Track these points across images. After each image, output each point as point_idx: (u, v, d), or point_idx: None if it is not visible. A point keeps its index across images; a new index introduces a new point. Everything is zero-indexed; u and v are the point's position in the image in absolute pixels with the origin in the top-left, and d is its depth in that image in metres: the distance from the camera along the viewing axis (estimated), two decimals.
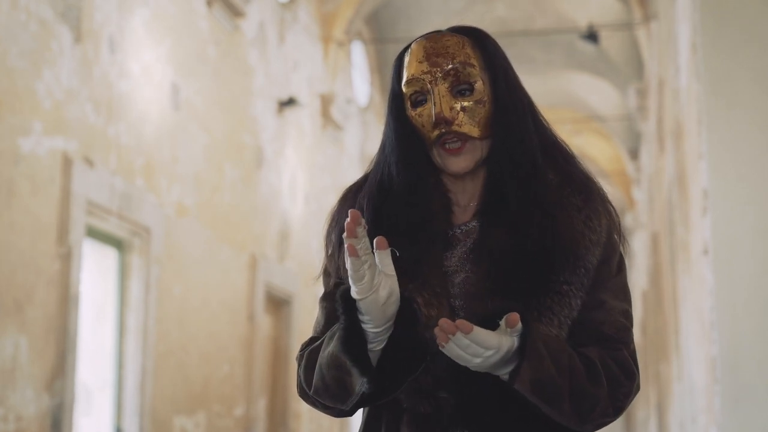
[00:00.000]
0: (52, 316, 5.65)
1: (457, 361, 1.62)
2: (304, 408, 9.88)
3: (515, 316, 1.63)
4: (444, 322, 1.60)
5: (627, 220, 16.68)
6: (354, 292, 1.63)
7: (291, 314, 9.73)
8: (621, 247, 1.83)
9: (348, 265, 1.61)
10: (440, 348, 1.61)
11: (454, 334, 1.59)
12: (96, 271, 6.60)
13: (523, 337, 1.64)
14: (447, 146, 1.78)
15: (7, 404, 5.23)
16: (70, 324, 5.79)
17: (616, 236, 1.81)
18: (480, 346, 1.60)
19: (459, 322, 1.60)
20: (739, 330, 4.49)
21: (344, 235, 1.59)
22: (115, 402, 6.70)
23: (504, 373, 1.65)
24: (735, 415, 4.47)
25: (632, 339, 1.80)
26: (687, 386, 6.83)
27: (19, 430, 5.33)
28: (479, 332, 1.60)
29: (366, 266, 1.61)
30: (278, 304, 9.63)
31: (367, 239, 1.61)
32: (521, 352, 1.63)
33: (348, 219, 1.59)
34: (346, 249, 1.60)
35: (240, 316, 8.52)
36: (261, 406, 8.92)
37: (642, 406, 15.04)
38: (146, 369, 6.79)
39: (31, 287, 5.48)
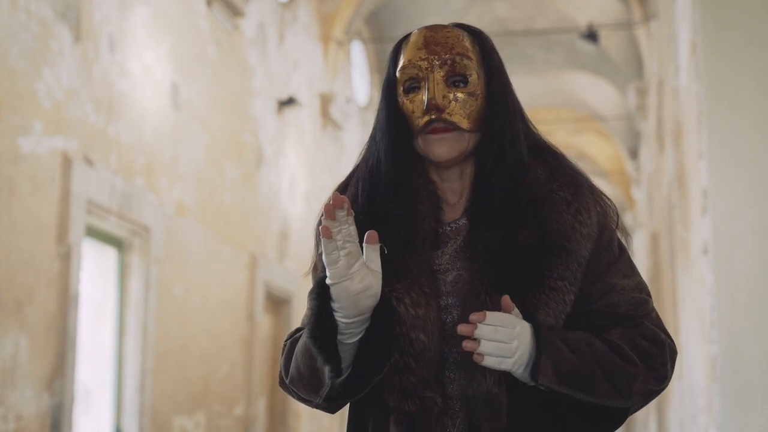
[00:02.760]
0: (51, 316, 5.65)
1: (501, 362, 1.62)
2: (304, 407, 9.87)
3: (506, 299, 1.64)
4: (461, 327, 1.61)
5: (626, 220, 16.67)
6: (327, 278, 1.63)
7: (291, 313, 9.73)
8: (618, 230, 1.83)
9: (322, 247, 1.60)
10: (479, 362, 1.62)
11: (475, 328, 1.60)
12: (96, 271, 6.60)
13: (535, 332, 1.65)
14: (435, 129, 1.78)
15: (7, 403, 5.23)
16: (69, 323, 5.79)
17: (611, 223, 1.82)
18: (504, 325, 1.62)
19: (471, 315, 1.61)
20: (739, 330, 4.49)
21: (322, 217, 1.60)
22: (115, 401, 6.70)
23: (524, 373, 1.65)
24: (735, 415, 4.47)
25: (652, 307, 1.81)
26: (687, 386, 6.83)
27: (18, 430, 5.33)
28: (493, 313, 1.62)
29: (342, 252, 1.60)
30: (278, 304, 9.63)
31: (352, 227, 1.60)
32: (536, 348, 1.64)
33: (330, 201, 1.59)
34: (320, 230, 1.59)
35: (240, 315, 8.52)
36: (261, 405, 8.92)
37: None
38: (146, 368, 6.79)
39: (31, 287, 5.48)
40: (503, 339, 1.61)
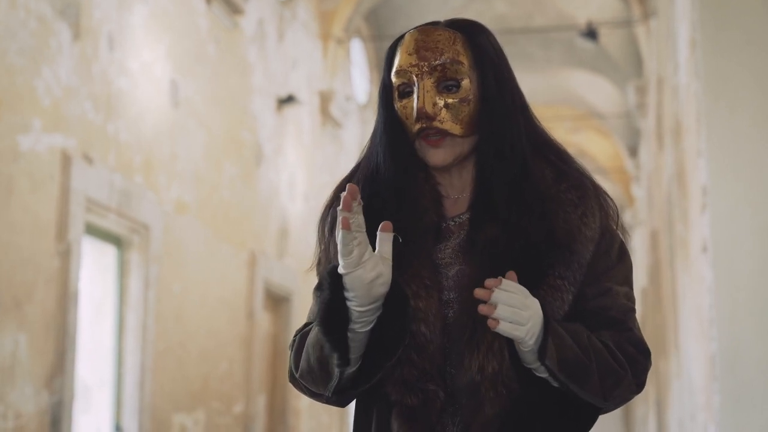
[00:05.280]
0: (51, 314, 5.65)
1: (516, 328, 1.62)
2: (303, 405, 9.88)
3: (512, 274, 1.66)
4: (477, 290, 1.62)
5: (626, 218, 16.68)
6: (340, 267, 1.63)
7: (290, 311, 9.73)
8: (621, 235, 1.84)
9: (338, 238, 1.61)
10: (493, 328, 1.62)
11: (493, 292, 1.61)
12: (95, 269, 6.60)
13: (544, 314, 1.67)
14: (428, 138, 1.78)
15: (6, 401, 5.23)
16: (69, 321, 5.79)
17: (613, 226, 1.82)
18: (518, 292, 1.63)
19: (487, 281, 1.62)
20: (738, 327, 4.49)
21: (339, 208, 1.60)
22: (115, 399, 6.70)
23: (535, 355, 1.66)
24: (734, 413, 4.47)
25: (635, 317, 1.82)
26: (686, 384, 6.83)
27: (18, 428, 5.33)
28: (508, 281, 1.64)
29: (355, 242, 1.61)
30: (277, 302, 9.63)
31: (361, 217, 1.61)
32: (544, 331, 1.65)
33: (345, 192, 1.60)
34: (339, 221, 1.60)
35: (239, 313, 8.52)
36: (260, 403, 8.92)
37: (641, 403, 15.04)
38: (145, 366, 6.79)
39: (30, 285, 5.48)
40: (518, 305, 1.62)
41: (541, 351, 1.64)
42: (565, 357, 1.66)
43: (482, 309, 1.62)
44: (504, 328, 1.62)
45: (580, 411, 1.74)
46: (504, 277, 1.66)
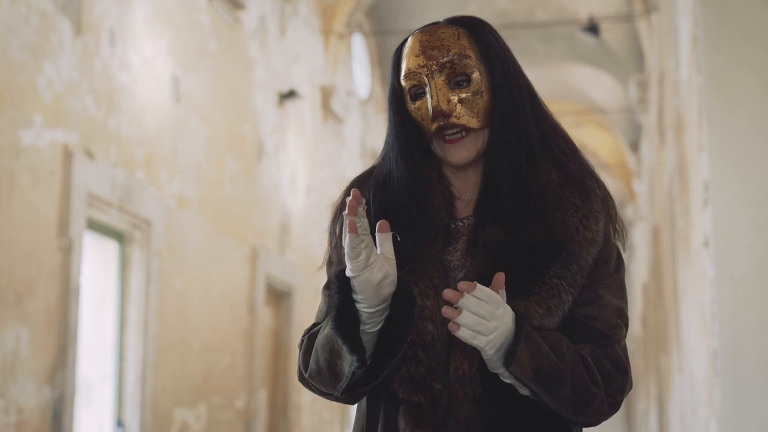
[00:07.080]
0: (52, 309, 5.66)
1: (475, 336, 1.60)
2: (304, 400, 9.89)
3: (500, 275, 1.64)
4: (447, 292, 1.60)
5: (627, 213, 16.68)
6: (348, 270, 1.64)
7: (292, 306, 9.73)
8: (620, 242, 1.83)
9: (346, 242, 1.61)
10: (453, 331, 1.60)
11: (462, 297, 1.59)
12: (97, 264, 6.61)
13: (517, 322, 1.64)
14: (447, 137, 1.78)
15: (8, 397, 5.24)
16: (70, 317, 5.79)
17: (614, 232, 1.81)
18: (490, 302, 1.60)
19: (460, 283, 1.60)
20: (740, 322, 4.49)
21: (345, 212, 1.61)
22: (116, 394, 6.71)
23: (500, 360, 1.64)
24: (735, 408, 4.47)
25: (624, 336, 1.79)
26: (687, 379, 6.83)
27: (20, 423, 5.33)
28: (483, 288, 1.61)
29: (362, 245, 1.61)
30: (279, 297, 9.64)
31: (366, 220, 1.62)
32: (516, 338, 1.63)
33: (350, 197, 1.60)
34: (346, 225, 1.60)
35: (241, 308, 8.52)
36: (262, 398, 8.93)
37: (642, 398, 15.05)
38: (147, 361, 6.80)
39: (31, 280, 5.48)
40: (485, 315, 1.60)
41: (508, 357, 1.62)
42: (539, 365, 1.63)
43: (445, 311, 1.60)
44: (463, 334, 1.60)
45: (552, 425, 1.73)
46: (493, 278, 1.64)
